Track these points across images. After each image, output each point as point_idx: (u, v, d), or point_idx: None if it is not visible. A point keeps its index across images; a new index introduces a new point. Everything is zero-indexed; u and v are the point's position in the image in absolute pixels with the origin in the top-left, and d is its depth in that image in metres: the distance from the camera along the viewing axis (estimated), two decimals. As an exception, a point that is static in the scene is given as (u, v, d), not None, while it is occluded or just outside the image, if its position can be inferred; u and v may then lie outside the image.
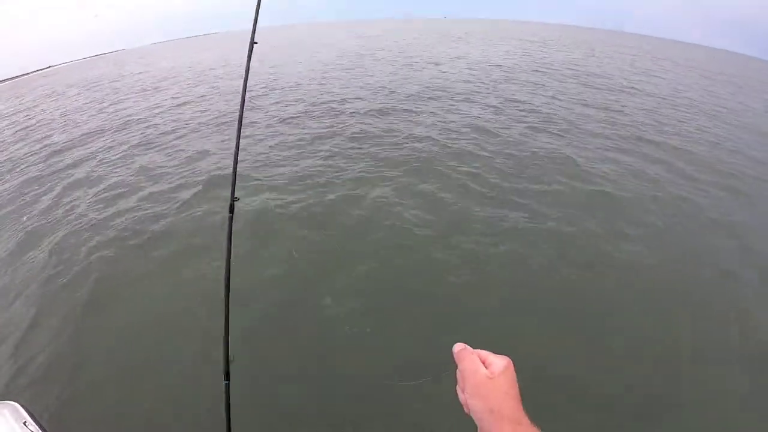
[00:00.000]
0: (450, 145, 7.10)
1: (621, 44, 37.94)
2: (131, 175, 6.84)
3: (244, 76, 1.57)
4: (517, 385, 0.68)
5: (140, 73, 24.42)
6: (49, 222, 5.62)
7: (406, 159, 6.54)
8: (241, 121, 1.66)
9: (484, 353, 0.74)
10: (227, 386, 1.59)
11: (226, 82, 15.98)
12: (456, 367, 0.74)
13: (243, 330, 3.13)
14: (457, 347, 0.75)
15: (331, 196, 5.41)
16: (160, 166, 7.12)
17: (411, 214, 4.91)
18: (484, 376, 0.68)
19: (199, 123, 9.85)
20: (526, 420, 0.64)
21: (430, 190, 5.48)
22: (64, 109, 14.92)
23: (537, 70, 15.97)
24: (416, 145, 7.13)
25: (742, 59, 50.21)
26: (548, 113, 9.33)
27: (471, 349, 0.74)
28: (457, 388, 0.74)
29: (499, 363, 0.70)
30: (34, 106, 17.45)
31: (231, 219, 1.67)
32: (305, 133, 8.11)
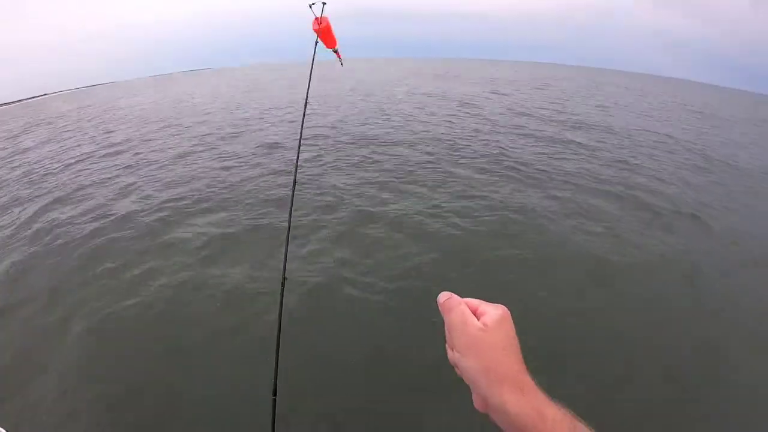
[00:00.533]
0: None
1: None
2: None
3: (299, 136, 1.84)
4: (517, 340, 0.58)
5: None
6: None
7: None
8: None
9: (475, 301, 0.62)
10: (274, 401, 1.70)
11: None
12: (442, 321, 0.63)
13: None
14: (443, 296, 0.63)
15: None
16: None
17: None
18: (476, 328, 0.57)
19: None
20: (530, 382, 0.54)
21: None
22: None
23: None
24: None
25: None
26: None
27: (459, 297, 0.62)
28: (446, 346, 0.63)
29: (494, 312, 0.59)
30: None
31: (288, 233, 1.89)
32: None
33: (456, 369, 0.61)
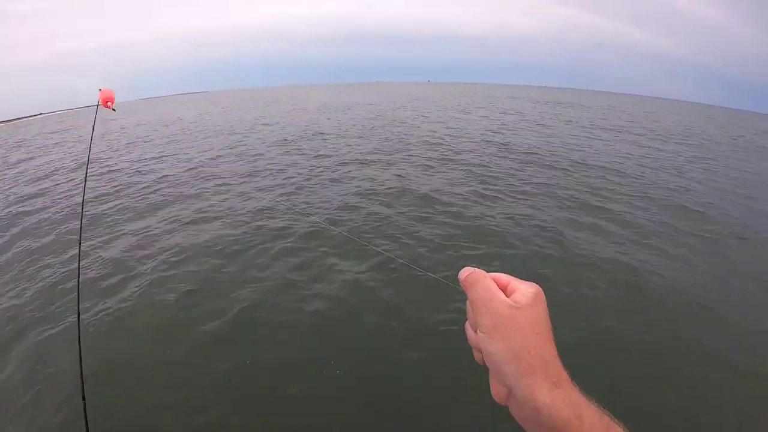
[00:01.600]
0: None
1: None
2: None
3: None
4: (551, 327, 0.49)
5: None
6: None
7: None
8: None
9: (505, 277, 0.53)
10: (84, 405, 1.63)
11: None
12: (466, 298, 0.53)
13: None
14: (465, 271, 0.54)
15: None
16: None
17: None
18: (506, 305, 0.48)
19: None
20: (566, 375, 0.45)
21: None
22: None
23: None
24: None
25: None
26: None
27: (484, 271, 0.53)
28: (467, 325, 0.54)
29: (527, 290, 0.50)
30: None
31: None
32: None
33: (475, 353, 0.52)
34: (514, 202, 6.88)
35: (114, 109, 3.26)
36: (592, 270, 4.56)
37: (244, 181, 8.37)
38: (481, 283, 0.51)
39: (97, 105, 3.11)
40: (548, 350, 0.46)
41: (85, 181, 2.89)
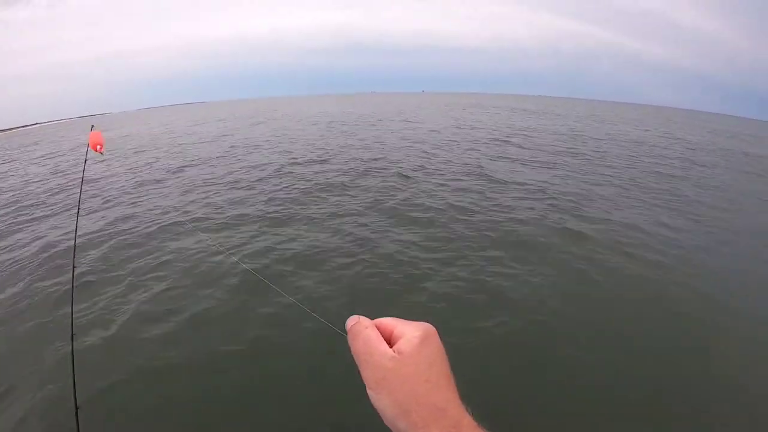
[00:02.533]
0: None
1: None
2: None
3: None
4: (448, 366, 0.47)
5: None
6: None
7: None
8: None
9: (390, 322, 0.51)
10: (77, 414, 1.80)
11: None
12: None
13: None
14: (350, 321, 0.52)
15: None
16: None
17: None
18: (386, 357, 0.46)
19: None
20: (468, 423, 0.42)
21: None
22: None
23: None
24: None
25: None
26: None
27: (367, 320, 0.51)
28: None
29: (412, 335, 0.47)
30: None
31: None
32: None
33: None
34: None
35: (102, 153, 3.44)
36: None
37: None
38: (362, 336, 0.48)
39: (87, 147, 3.30)
40: (442, 397, 0.43)
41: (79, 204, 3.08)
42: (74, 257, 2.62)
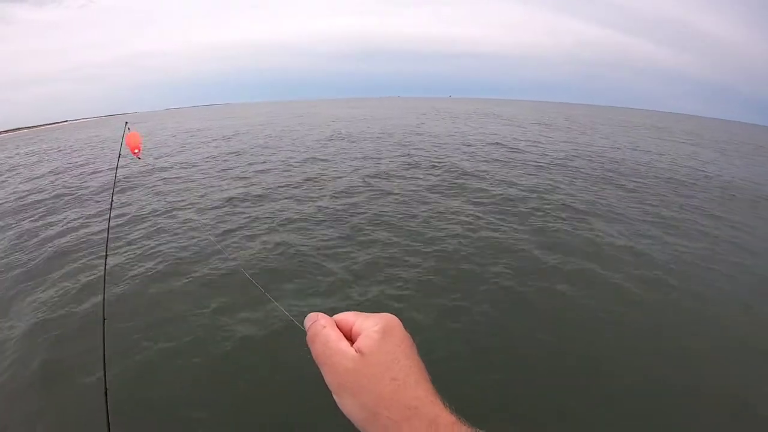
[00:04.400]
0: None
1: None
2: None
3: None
4: (417, 359, 0.43)
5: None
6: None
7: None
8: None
9: (350, 317, 0.47)
10: (106, 397, 1.85)
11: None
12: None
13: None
14: (308, 321, 0.47)
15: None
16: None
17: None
18: (347, 358, 0.42)
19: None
20: (446, 419, 0.37)
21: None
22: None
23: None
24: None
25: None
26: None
27: (326, 318, 0.47)
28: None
29: (372, 330, 0.43)
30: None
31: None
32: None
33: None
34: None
35: (140, 158, 3.25)
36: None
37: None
38: (320, 337, 0.44)
39: (122, 143, 3.12)
40: (412, 395, 0.39)
41: (111, 203, 3.19)
42: (107, 244, 2.70)
